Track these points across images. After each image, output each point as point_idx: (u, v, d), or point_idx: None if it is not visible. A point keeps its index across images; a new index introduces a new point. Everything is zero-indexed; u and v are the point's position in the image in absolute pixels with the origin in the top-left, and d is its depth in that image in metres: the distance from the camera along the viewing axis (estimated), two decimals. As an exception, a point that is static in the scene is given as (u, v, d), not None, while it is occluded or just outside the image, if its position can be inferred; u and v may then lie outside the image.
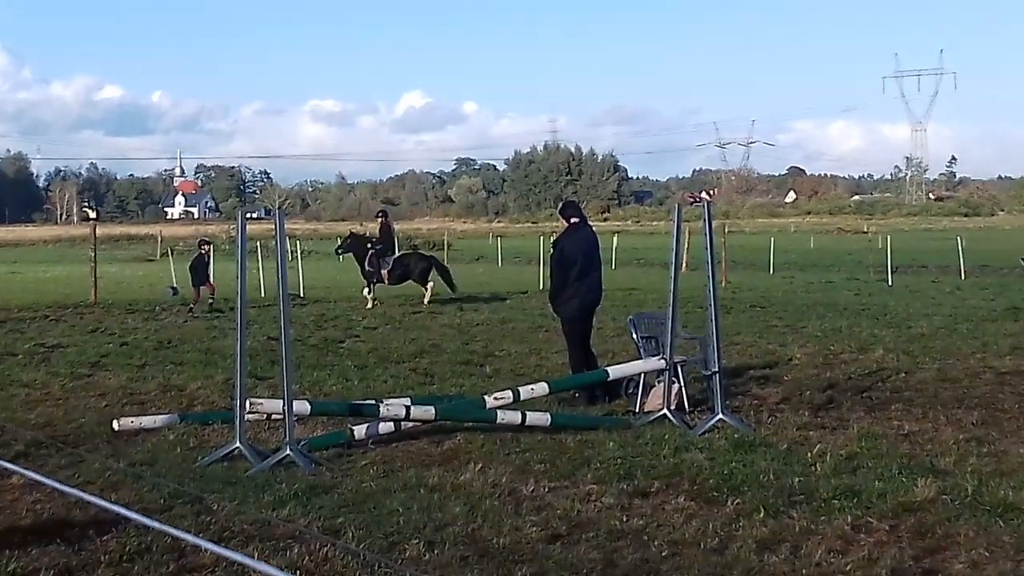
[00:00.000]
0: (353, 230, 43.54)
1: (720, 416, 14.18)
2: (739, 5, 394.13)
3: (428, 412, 13.95)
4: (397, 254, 37.21)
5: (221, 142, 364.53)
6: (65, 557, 8.94)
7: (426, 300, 35.64)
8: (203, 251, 37.86)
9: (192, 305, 35.42)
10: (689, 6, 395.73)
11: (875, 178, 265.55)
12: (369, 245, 36.55)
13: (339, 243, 41.58)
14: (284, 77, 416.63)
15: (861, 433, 13.74)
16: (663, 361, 15.21)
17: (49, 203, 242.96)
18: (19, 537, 9.44)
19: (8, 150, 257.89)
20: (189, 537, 7.38)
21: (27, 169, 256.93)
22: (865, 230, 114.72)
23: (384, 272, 35.64)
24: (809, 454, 12.49)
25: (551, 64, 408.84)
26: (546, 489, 11.18)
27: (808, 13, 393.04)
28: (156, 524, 6.87)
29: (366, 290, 35.85)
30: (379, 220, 38.05)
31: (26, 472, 9.16)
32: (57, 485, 8.18)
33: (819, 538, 9.47)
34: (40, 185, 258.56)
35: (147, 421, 14.78)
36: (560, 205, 18.13)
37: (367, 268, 35.84)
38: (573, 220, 17.47)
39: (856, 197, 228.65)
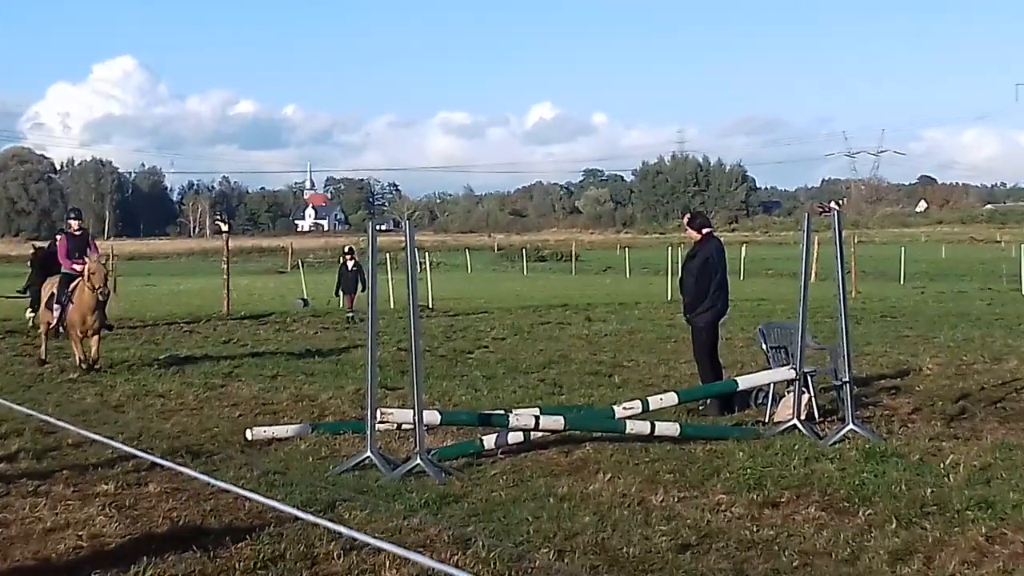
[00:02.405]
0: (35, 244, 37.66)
1: (851, 426, 14.06)
2: (869, 13, 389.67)
3: (557, 422, 13.97)
4: None
5: (352, 155, 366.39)
6: (200, 564, 9.05)
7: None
8: (346, 260, 38.43)
9: (351, 313, 35.94)
10: (820, 15, 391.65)
11: (1008, 187, 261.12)
12: None
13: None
14: (416, 90, 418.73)
15: (995, 444, 13.54)
16: (793, 371, 15.11)
17: (182, 216, 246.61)
18: (156, 544, 9.58)
19: (143, 164, 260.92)
20: (360, 536, 7.45)
21: (161, 183, 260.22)
22: (998, 239, 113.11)
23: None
24: (942, 465, 12.34)
25: (682, 75, 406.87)
26: (675, 499, 11.15)
27: (939, 20, 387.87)
28: (322, 521, 6.95)
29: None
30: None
31: (199, 475, 9.30)
32: (225, 485, 8.30)
33: (952, 549, 9.36)
34: (174, 199, 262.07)
35: (279, 430, 14.96)
36: (688, 216, 18.06)
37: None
38: (706, 230, 17.49)
39: (989, 206, 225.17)
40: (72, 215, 24.97)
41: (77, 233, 24.09)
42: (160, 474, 12.13)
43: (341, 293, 38.49)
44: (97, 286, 22.02)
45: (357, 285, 37.10)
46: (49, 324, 23.59)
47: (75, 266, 23.08)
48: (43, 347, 24.16)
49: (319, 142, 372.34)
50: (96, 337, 22.62)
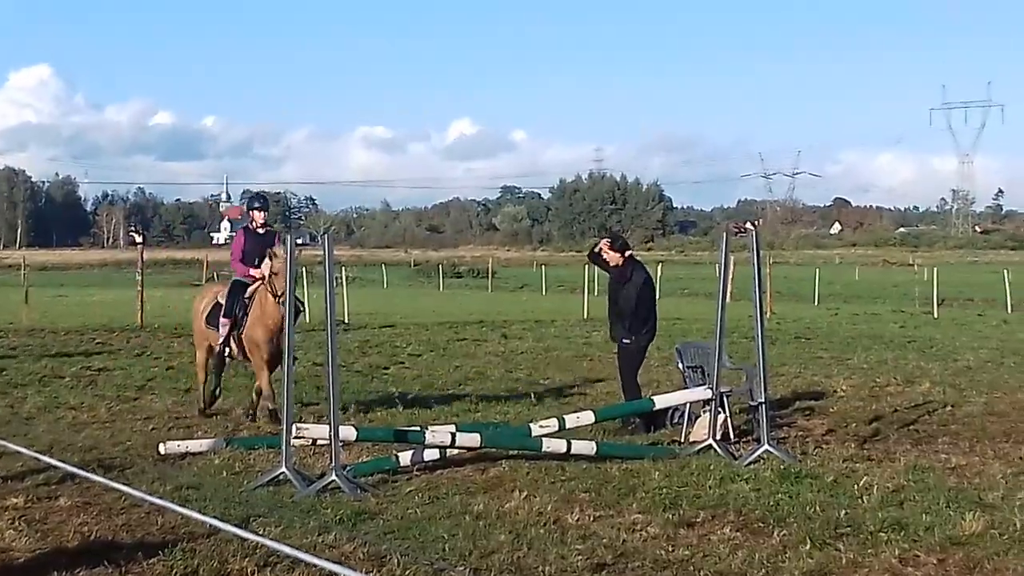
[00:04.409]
0: None
1: (766, 447, 14.12)
2: (789, 36, 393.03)
3: (473, 439, 13.97)
4: None
5: (271, 168, 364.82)
6: (112, 579, 8.98)
7: None
8: None
9: None
10: (739, 37, 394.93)
11: (921, 210, 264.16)
12: None
13: None
14: (336, 104, 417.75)
15: (908, 466, 13.65)
16: (709, 391, 15.17)
17: (96, 227, 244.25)
18: (66, 559, 9.47)
19: (57, 174, 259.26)
20: (282, 547, 7.39)
21: (75, 193, 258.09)
22: (911, 262, 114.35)
23: None
24: (855, 486, 12.43)
25: (601, 93, 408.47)
26: (591, 518, 11.16)
27: (857, 44, 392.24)
28: (245, 534, 6.89)
29: None
30: None
31: (119, 486, 9.19)
32: (149, 497, 8.21)
33: (866, 571, 9.43)
34: (87, 209, 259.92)
35: (193, 445, 14.85)
36: (610, 240, 17.99)
37: None
38: (628, 253, 17.58)
39: (902, 229, 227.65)
40: (257, 204, 18.77)
41: (260, 231, 18.47)
42: (71, 488, 12.03)
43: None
44: (279, 291, 16.64)
45: None
46: (212, 348, 18.47)
47: (253, 272, 17.89)
48: (202, 386, 18.84)
49: (238, 154, 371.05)
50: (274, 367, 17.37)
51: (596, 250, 17.89)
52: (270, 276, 17.09)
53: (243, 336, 17.74)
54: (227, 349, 18.10)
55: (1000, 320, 42.73)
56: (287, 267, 14.06)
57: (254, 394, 18.02)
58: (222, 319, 17.93)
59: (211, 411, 18.41)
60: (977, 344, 31.37)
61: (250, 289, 17.87)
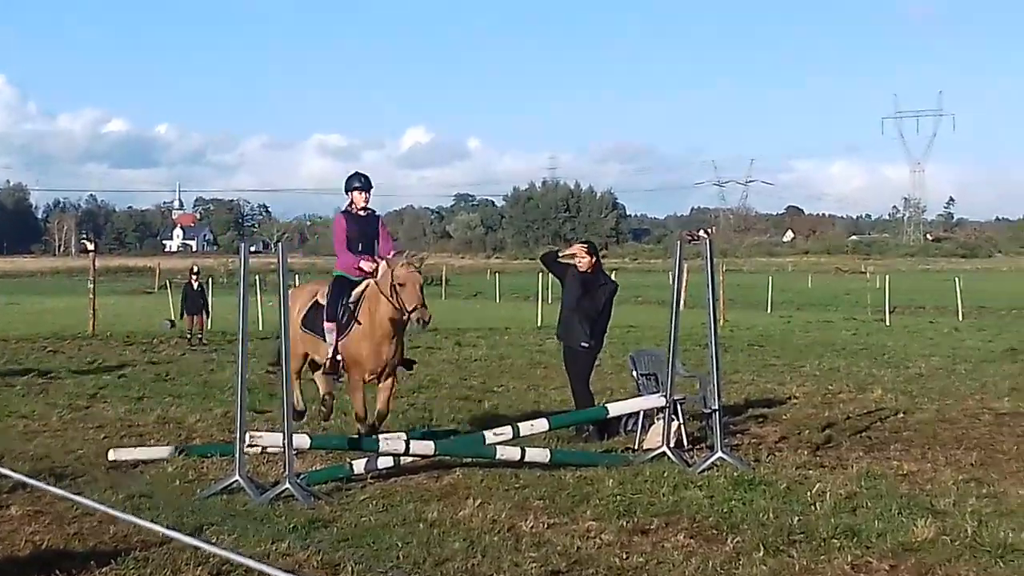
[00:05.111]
0: None
1: (719, 454, 14.15)
2: (743, 44, 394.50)
3: (427, 447, 13.92)
4: None
5: (225, 175, 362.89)
6: (63, 588, 8.93)
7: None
8: (191, 280, 37.98)
9: (189, 335, 35.50)
10: (694, 46, 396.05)
11: (873, 218, 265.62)
12: None
13: None
14: (291, 112, 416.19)
15: (860, 473, 13.70)
16: (663, 398, 15.19)
17: (47, 235, 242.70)
18: (18, 568, 9.43)
19: (8, 181, 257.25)
20: (235, 556, 7.36)
21: (26, 200, 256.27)
22: (863, 270, 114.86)
23: None
24: (808, 493, 12.46)
25: (556, 102, 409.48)
26: (545, 526, 11.15)
27: (811, 53, 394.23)
28: (200, 544, 6.86)
29: None
30: None
31: (71, 495, 9.14)
32: (94, 504, 8.16)
33: (819, 577, 9.47)
34: (39, 217, 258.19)
35: (143, 453, 14.77)
36: (589, 244, 17.93)
37: None
38: (596, 259, 17.58)
39: (854, 237, 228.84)
40: (357, 183, 15.76)
41: (362, 213, 15.83)
42: (23, 496, 11.94)
43: (186, 315, 37.73)
44: (410, 307, 14.33)
45: (202, 306, 36.80)
46: (308, 358, 16.22)
47: (362, 265, 15.22)
48: (296, 391, 16.08)
49: (192, 162, 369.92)
50: (391, 380, 15.43)
51: (561, 255, 17.88)
52: (394, 286, 14.43)
53: (342, 347, 15.16)
54: (339, 358, 15.26)
55: (951, 327, 43.04)
56: (242, 273, 13.28)
57: (366, 407, 15.47)
58: (326, 323, 15.28)
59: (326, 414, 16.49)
60: (928, 351, 31.60)
61: (357, 290, 15.14)
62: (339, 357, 15.16)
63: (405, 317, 14.44)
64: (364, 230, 15.58)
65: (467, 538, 10.53)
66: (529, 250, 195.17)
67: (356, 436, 14.59)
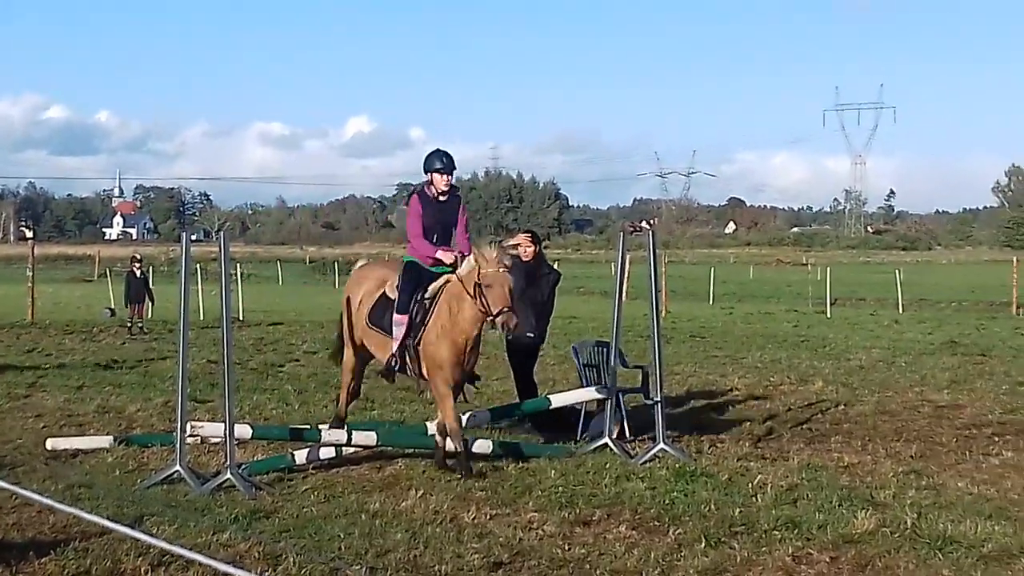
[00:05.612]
0: None
1: (661, 446, 14.18)
2: (686, 36, 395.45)
3: (369, 438, 13.90)
4: None
5: (165, 163, 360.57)
6: (2, 578, 8.87)
7: None
8: (133, 268, 37.70)
9: (129, 323, 35.25)
10: (637, 37, 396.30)
11: (814, 211, 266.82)
12: None
13: None
14: (232, 99, 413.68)
15: (801, 465, 13.76)
16: (605, 390, 15.20)
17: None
18: (-45, 558, 9.35)
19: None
20: (175, 548, 7.31)
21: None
22: (804, 262, 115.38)
23: None
24: (750, 485, 12.51)
25: (499, 91, 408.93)
26: (488, 517, 11.15)
27: (754, 45, 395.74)
28: (140, 535, 6.81)
29: None
30: None
31: (9, 485, 9.07)
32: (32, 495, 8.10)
33: (760, 569, 9.51)
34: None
35: (82, 442, 14.68)
36: (532, 234, 17.85)
37: None
38: (539, 249, 17.53)
39: (795, 229, 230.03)
40: (439, 164, 14.01)
41: (442, 197, 14.17)
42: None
43: (129, 303, 37.42)
44: (495, 309, 12.95)
45: (145, 294, 36.54)
46: (367, 353, 14.89)
47: (441, 256, 13.92)
48: (344, 396, 15.17)
49: (132, 149, 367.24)
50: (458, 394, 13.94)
51: (504, 246, 17.81)
52: (479, 286, 13.03)
53: (420, 349, 13.65)
54: (398, 362, 13.90)
55: (891, 320, 43.21)
56: (184, 262, 13.10)
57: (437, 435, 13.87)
58: (396, 316, 13.73)
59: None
60: (869, 343, 31.73)
61: (434, 285, 13.69)
62: (395, 360, 13.83)
63: (489, 319, 13.08)
64: (441, 217, 14.11)
65: (409, 529, 10.52)
66: (472, 240, 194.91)
67: (298, 427, 14.56)
